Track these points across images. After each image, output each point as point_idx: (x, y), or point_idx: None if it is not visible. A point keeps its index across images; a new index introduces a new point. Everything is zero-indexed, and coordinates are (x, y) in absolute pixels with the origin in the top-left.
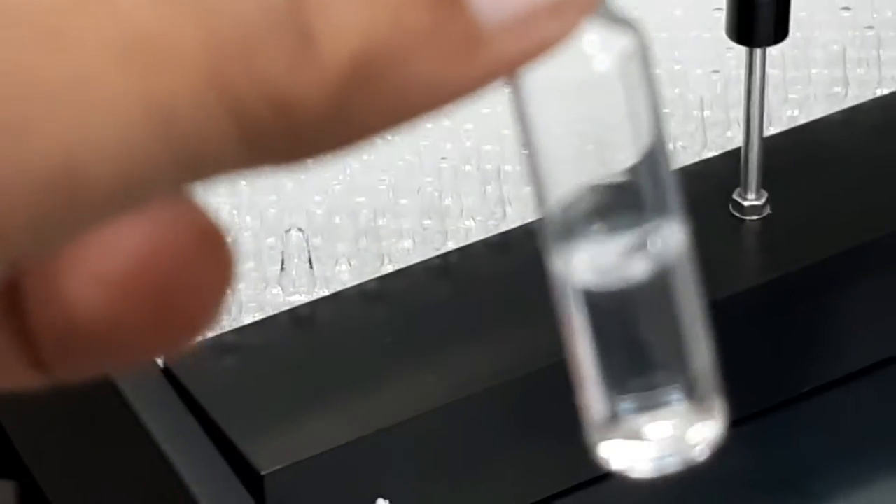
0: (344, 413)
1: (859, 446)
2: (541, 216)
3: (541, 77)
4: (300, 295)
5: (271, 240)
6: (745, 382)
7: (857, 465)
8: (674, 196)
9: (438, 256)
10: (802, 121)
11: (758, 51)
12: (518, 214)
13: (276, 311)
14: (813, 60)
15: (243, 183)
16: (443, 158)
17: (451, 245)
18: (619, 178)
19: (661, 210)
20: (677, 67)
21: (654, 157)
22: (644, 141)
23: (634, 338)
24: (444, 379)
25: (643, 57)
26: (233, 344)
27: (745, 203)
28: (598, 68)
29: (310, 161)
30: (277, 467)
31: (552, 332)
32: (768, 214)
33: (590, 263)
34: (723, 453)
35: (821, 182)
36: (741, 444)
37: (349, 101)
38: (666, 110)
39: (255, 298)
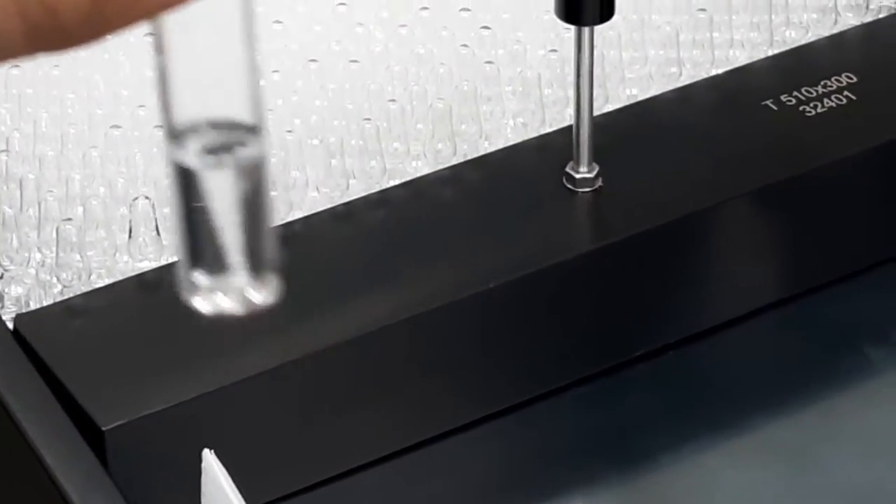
0: (186, 371)
1: (688, 408)
2: (164, 119)
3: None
4: (148, 261)
5: (123, 210)
6: (576, 345)
7: (686, 427)
8: (260, 121)
9: (282, 225)
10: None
11: (586, 29)
12: (361, 187)
13: (124, 277)
14: (650, 42)
15: (95, 154)
16: (288, 132)
17: (296, 214)
18: (222, 106)
19: (246, 129)
20: (516, 47)
21: (251, 91)
22: (242, 78)
23: (212, 218)
24: (283, 340)
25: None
26: (81, 307)
27: (577, 175)
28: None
29: (77, 48)
30: (119, 423)
31: (392, 296)
32: (600, 187)
33: (187, 159)
34: (557, 417)
35: (652, 156)
36: (573, 407)
37: (102, 6)
38: (508, 88)
39: (104, 265)
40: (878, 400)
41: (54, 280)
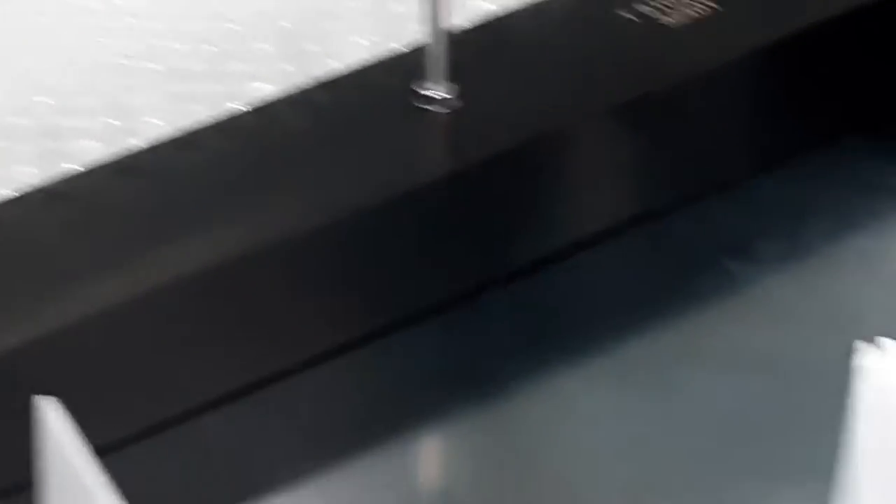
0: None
1: (543, 333)
2: None
3: None
4: None
5: None
6: (429, 273)
7: (541, 352)
8: None
9: (126, 156)
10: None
11: None
12: (206, 112)
13: None
14: None
15: None
16: (126, 56)
17: (136, 143)
18: None
19: None
20: None
21: None
22: None
23: None
24: (124, 280)
25: None
26: None
27: (431, 94)
28: None
29: None
30: None
31: (238, 229)
32: (452, 106)
33: None
34: (411, 347)
35: (508, 74)
36: (427, 336)
37: None
38: (354, 4)
39: None
40: (739, 316)
41: None
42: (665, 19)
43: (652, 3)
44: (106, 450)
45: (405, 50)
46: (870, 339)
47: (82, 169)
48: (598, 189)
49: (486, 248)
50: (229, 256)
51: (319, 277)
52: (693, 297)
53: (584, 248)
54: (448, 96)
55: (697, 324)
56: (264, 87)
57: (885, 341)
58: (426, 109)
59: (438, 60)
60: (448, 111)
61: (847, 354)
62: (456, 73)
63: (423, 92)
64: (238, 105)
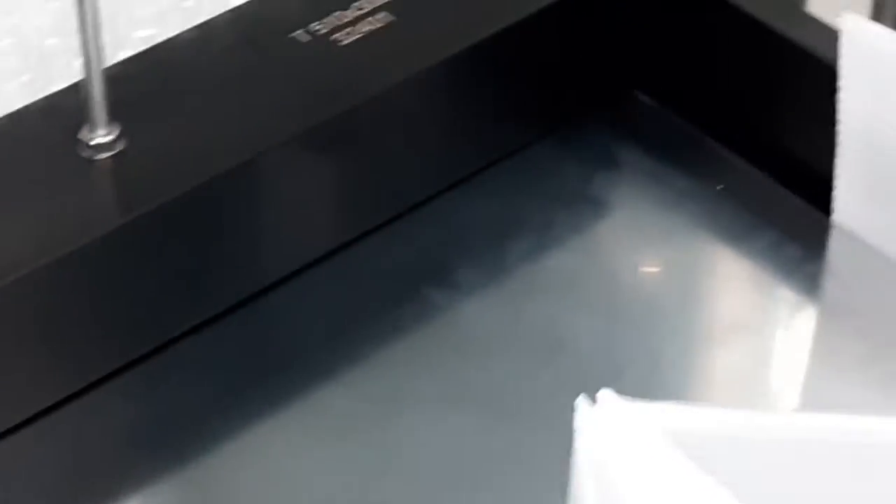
0: None
1: (242, 382)
2: None
3: None
4: None
5: None
6: (111, 332)
7: (241, 403)
8: None
9: None
10: (159, 40)
11: None
12: None
13: None
14: None
15: None
16: None
17: None
18: None
19: None
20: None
21: None
22: None
23: None
24: None
25: None
26: None
27: (93, 141)
28: None
29: None
30: None
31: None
32: (121, 150)
33: None
34: (99, 412)
35: (177, 109)
36: (115, 400)
37: None
38: (3, 43)
39: None
40: (447, 348)
41: None
42: (341, 38)
43: (326, 22)
44: None
45: (62, 90)
46: (591, 391)
47: None
48: (287, 224)
49: (170, 298)
50: None
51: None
52: (398, 331)
53: (277, 286)
54: (112, 140)
55: (406, 360)
56: None
57: (605, 396)
58: (90, 158)
59: (98, 101)
60: (114, 156)
61: (558, 387)
62: (119, 113)
63: (84, 139)
64: None
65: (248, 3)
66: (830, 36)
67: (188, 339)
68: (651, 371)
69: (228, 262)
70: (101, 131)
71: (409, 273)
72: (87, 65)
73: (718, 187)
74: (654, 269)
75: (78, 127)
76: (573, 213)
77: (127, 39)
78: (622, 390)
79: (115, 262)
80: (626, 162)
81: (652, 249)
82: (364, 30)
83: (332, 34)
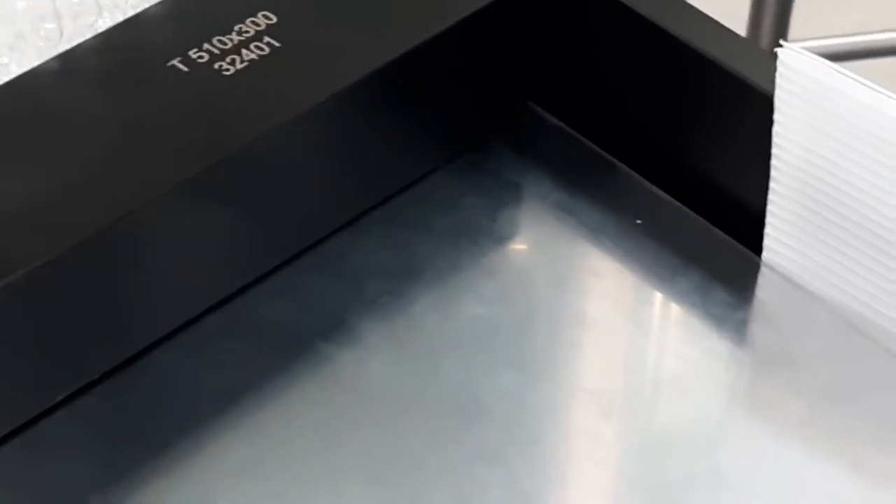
0: None
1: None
2: None
3: None
4: None
5: None
6: None
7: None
8: None
9: None
10: (15, 69)
11: None
12: None
13: None
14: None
15: None
16: None
17: None
18: None
19: None
20: None
21: None
22: None
23: None
24: None
25: None
26: None
27: None
28: None
29: None
30: None
31: None
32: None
33: None
34: None
35: (29, 156)
36: None
37: None
38: None
39: None
40: (355, 414)
41: None
42: (224, 67)
43: (205, 50)
44: None
45: None
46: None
47: None
48: (164, 275)
49: (38, 365)
50: None
51: None
52: (295, 393)
53: (159, 343)
54: None
55: (306, 428)
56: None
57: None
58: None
59: None
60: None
61: (490, 457)
62: None
63: None
64: None
65: (114, 27)
66: (761, 60)
67: (63, 408)
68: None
69: (103, 325)
70: None
71: (302, 328)
72: None
73: (637, 221)
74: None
75: None
76: (479, 254)
77: None
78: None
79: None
80: (531, 191)
81: (570, 295)
82: (248, 57)
83: (214, 62)
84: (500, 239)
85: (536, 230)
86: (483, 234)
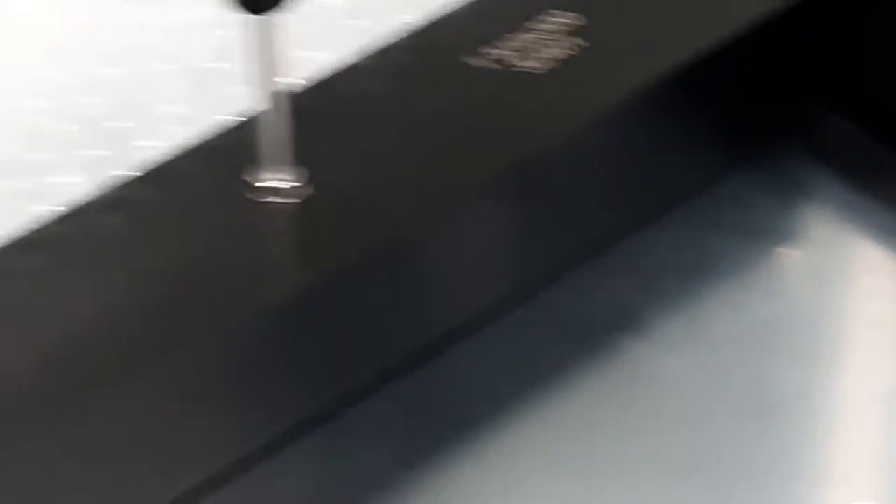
0: None
1: (431, 438)
2: None
3: None
4: None
5: None
6: (301, 389)
7: (430, 460)
8: None
9: None
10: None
11: (263, 17)
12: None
13: None
14: None
15: None
16: None
17: None
18: None
19: None
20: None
21: None
22: None
23: None
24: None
25: None
26: None
27: (267, 182)
28: None
29: None
30: None
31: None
32: (306, 195)
33: None
34: (284, 471)
35: (358, 145)
36: (301, 462)
37: None
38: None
39: None
40: (645, 408)
41: None
42: (526, 64)
43: (502, 47)
44: None
45: (233, 121)
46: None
47: None
48: (471, 271)
49: (352, 353)
50: None
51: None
52: (591, 385)
53: (459, 340)
54: (293, 182)
55: (598, 418)
56: (72, 181)
57: None
58: (268, 202)
59: (276, 136)
60: (295, 202)
61: (781, 456)
62: (297, 150)
63: (259, 181)
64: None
65: (417, 27)
66: None
67: (373, 396)
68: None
69: (409, 317)
70: (277, 171)
71: (599, 323)
72: (268, 105)
73: None
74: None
75: (252, 166)
76: (769, 253)
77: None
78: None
79: (291, 324)
80: (821, 193)
81: (857, 294)
82: (550, 54)
83: (514, 60)
84: (790, 239)
85: (826, 231)
86: (773, 233)
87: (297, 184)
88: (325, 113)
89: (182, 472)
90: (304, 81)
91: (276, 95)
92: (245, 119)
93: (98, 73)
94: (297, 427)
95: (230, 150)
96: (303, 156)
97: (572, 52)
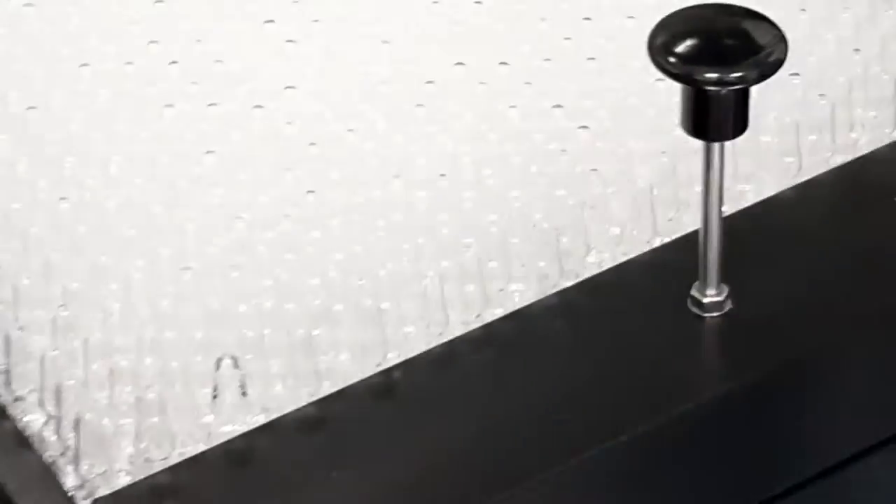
0: None
1: None
2: None
3: None
4: (234, 424)
5: (199, 359)
6: (713, 490)
7: None
8: None
9: (380, 372)
10: (752, 196)
11: (716, 145)
12: (459, 319)
13: (209, 446)
14: (763, 128)
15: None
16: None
17: (393, 357)
18: None
19: None
20: (620, 147)
21: None
22: None
23: None
24: None
25: None
26: (165, 484)
27: (706, 299)
28: None
29: None
30: None
31: (499, 447)
32: (729, 310)
33: None
34: None
35: (779, 270)
36: None
37: None
38: (610, 190)
39: (186, 429)
40: None
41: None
42: None
43: None
44: None
45: (667, 242)
46: None
47: (334, 388)
48: (870, 400)
49: (768, 460)
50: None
51: None
52: None
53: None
54: (720, 299)
55: None
56: (520, 289)
57: None
58: (699, 315)
59: (713, 261)
60: (721, 316)
61: None
62: (727, 271)
63: (697, 295)
64: (496, 310)
65: (850, 161)
66: None
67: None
68: None
69: (807, 435)
70: (712, 290)
71: None
72: (706, 227)
73: None
74: None
75: (685, 282)
76: None
77: (727, 194)
78: None
79: (714, 427)
80: None
81: None
82: None
83: None
84: None
85: None
86: None
87: (720, 299)
88: (747, 238)
89: None
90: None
91: (716, 219)
92: (676, 240)
93: (550, 195)
94: None
95: (664, 266)
96: (729, 275)
97: None
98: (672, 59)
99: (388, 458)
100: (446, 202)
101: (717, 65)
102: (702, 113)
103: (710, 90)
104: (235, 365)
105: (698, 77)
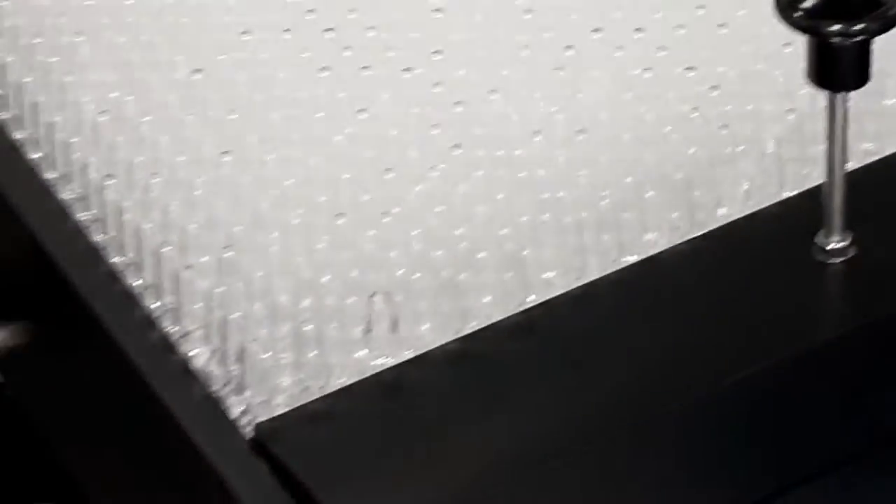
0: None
1: None
2: None
3: None
4: (384, 358)
5: (352, 299)
6: (827, 435)
7: None
8: None
9: (521, 312)
10: (878, 154)
11: (840, 95)
12: (598, 265)
13: (361, 376)
14: (889, 91)
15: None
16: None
17: (533, 299)
18: None
19: None
20: (749, 107)
21: None
22: None
23: None
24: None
25: None
26: (322, 412)
27: (829, 246)
28: None
29: None
30: None
31: (634, 384)
32: (853, 256)
33: None
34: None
35: None
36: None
37: None
38: (740, 148)
39: (340, 362)
40: None
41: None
42: None
43: None
44: None
45: (794, 195)
46: None
47: (479, 326)
48: None
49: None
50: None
51: (707, 446)
52: None
53: None
54: (844, 245)
55: None
56: (654, 238)
57: None
58: (824, 262)
59: (837, 209)
60: (844, 262)
61: None
62: (851, 221)
63: (822, 244)
64: (630, 258)
65: None
66: None
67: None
68: None
69: None
70: (836, 237)
71: None
72: (830, 175)
73: None
74: None
75: (810, 231)
76: None
77: (851, 152)
78: None
79: (837, 369)
80: None
81: None
82: None
83: None
84: None
85: None
86: None
87: (844, 245)
88: (876, 190)
89: None
90: (853, 164)
91: (839, 166)
92: (802, 193)
93: (682, 153)
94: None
95: (790, 218)
96: (851, 224)
97: None
98: (798, 14)
99: (534, 391)
100: (584, 158)
101: (841, 18)
102: (826, 63)
103: (833, 42)
104: (388, 300)
105: (823, 30)
